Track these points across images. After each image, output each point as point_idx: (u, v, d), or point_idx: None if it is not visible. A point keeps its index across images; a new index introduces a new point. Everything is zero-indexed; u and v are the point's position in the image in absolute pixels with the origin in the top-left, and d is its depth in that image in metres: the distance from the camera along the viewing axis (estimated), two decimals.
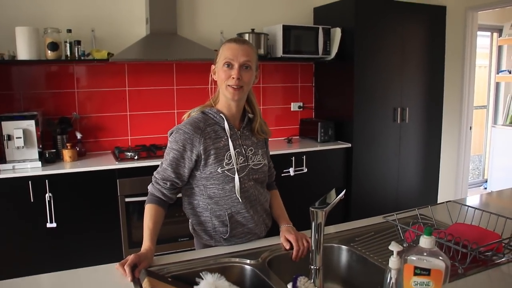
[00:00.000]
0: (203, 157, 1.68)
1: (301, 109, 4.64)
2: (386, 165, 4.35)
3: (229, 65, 1.67)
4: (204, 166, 1.69)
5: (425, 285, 1.05)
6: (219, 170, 1.69)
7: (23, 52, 3.26)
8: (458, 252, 1.49)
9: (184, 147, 1.67)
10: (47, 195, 3.09)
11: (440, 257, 1.07)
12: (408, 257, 1.08)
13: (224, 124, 1.73)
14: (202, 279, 1.16)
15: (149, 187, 1.75)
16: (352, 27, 4.04)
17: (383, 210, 1.96)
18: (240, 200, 1.72)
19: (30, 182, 3.05)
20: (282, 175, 3.77)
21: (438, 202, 4.16)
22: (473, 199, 2.78)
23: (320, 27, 4.09)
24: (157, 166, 1.77)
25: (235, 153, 1.71)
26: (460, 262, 1.48)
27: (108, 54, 3.50)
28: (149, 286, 1.30)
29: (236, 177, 1.70)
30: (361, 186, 4.21)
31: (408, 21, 4.31)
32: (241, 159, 1.73)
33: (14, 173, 3.06)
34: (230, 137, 1.72)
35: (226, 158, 1.70)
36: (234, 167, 1.70)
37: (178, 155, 1.68)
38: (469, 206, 1.95)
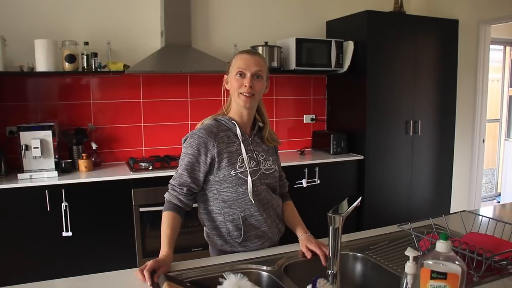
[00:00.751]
0: (216, 160, 1.73)
1: (314, 121, 4.67)
2: (398, 177, 4.35)
3: (242, 74, 1.75)
4: (217, 170, 1.74)
5: None
6: (232, 173, 1.74)
7: (42, 64, 3.33)
8: (473, 260, 1.50)
9: (199, 151, 1.73)
10: (63, 204, 3.13)
11: (457, 262, 1.08)
12: (425, 261, 1.10)
13: (236, 130, 1.80)
14: (225, 279, 1.18)
15: (166, 195, 1.78)
16: (365, 40, 4.07)
17: (395, 222, 1.97)
18: (253, 202, 1.76)
19: (46, 191, 3.10)
20: (295, 186, 3.79)
21: None
22: (486, 211, 2.77)
23: (333, 40, 4.13)
24: (171, 177, 1.82)
25: (247, 157, 1.76)
26: (475, 270, 1.49)
27: (124, 66, 3.56)
28: None
29: (249, 179, 1.75)
30: (373, 198, 4.21)
31: (420, 34, 4.34)
32: (253, 163, 1.79)
33: (31, 182, 3.11)
34: (242, 142, 1.78)
35: (239, 161, 1.75)
36: (246, 170, 1.75)
37: (193, 159, 1.74)
38: (483, 216, 1.95)
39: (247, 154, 1.78)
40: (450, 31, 4.52)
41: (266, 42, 3.99)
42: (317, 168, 3.94)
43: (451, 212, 4.68)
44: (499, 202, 6.19)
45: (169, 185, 1.80)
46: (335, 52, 4.14)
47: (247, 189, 1.75)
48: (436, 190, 4.64)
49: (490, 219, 1.87)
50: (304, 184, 3.86)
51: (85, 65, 3.53)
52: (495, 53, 6.06)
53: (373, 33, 4.09)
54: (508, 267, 1.56)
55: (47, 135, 3.28)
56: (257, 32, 4.27)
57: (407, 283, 1.17)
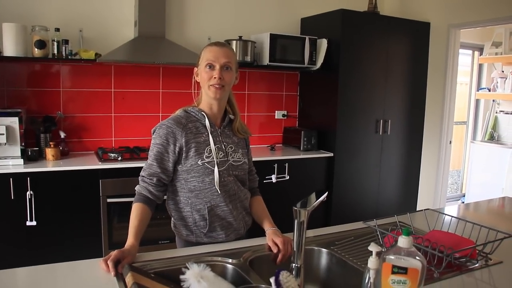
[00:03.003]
0: (184, 149, 1.74)
1: (285, 118, 4.69)
2: (367, 175, 4.41)
3: (211, 66, 1.77)
4: (185, 159, 1.75)
5: (402, 283, 1.09)
6: (199, 162, 1.75)
7: (10, 49, 3.25)
8: (434, 257, 1.54)
9: (168, 140, 1.74)
10: (28, 193, 3.07)
11: (417, 257, 1.11)
12: (387, 256, 1.12)
13: (205, 121, 1.81)
14: (188, 269, 1.18)
15: (136, 187, 1.78)
16: (338, 38, 4.11)
17: (363, 219, 2.00)
18: (219, 192, 1.76)
19: (11, 179, 3.02)
20: (264, 181, 3.80)
21: None
22: (449, 209, 2.84)
23: (307, 37, 4.16)
24: (140, 168, 1.81)
25: (215, 148, 1.78)
26: (436, 266, 1.53)
27: (96, 54, 3.50)
28: (132, 280, 1.31)
29: (216, 169, 1.76)
30: (341, 196, 4.26)
31: (393, 35, 4.40)
32: (221, 154, 1.80)
33: None
34: (210, 133, 1.80)
35: (206, 151, 1.77)
36: (214, 160, 1.76)
37: (162, 149, 1.74)
38: (446, 214, 2.00)
39: (215, 145, 1.79)
40: (421, 33, 4.60)
41: (240, 37, 3.98)
42: (287, 164, 3.96)
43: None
44: (463, 202, 6.34)
45: (139, 177, 1.79)
46: (309, 49, 4.16)
47: (214, 179, 1.75)
48: (403, 189, 4.72)
49: (453, 218, 1.92)
50: (274, 180, 3.88)
51: (55, 51, 3.45)
52: (464, 57, 6.21)
53: (347, 32, 4.13)
54: (467, 264, 1.61)
55: (14, 121, 3.19)
56: (231, 26, 4.25)
57: (369, 278, 1.19)
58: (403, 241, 1.12)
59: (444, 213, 2.03)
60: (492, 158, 5.90)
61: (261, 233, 1.84)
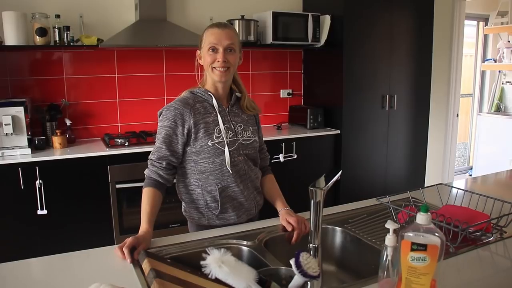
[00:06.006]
0: (193, 130, 1.73)
1: (290, 96, 4.66)
2: (374, 151, 4.39)
3: (214, 49, 1.74)
4: (194, 140, 1.74)
5: (422, 260, 1.08)
6: (209, 143, 1.73)
7: (11, 38, 3.22)
8: (450, 231, 1.53)
9: (176, 122, 1.72)
10: (37, 182, 3.08)
11: (436, 234, 1.10)
12: (405, 234, 1.11)
13: (212, 101, 1.79)
14: (209, 254, 1.18)
15: (146, 171, 1.77)
16: (342, 14, 4.05)
17: (371, 196, 1.99)
18: (231, 172, 1.75)
19: (20, 169, 3.03)
20: (272, 161, 3.78)
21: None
22: (459, 184, 2.83)
23: (310, 14, 4.10)
24: (147, 153, 1.80)
25: (224, 128, 1.76)
26: (451, 241, 1.52)
27: (98, 40, 3.47)
28: (149, 266, 1.31)
29: (226, 149, 1.74)
30: (350, 173, 4.25)
31: (396, 8, 4.33)
32: (230, 134, 1.78)
33: (4, 160, 3.03)
34: (219, 113, 1.78)
35: (216, 132, 1.75)
36: (224, 140, 1.75)
37: (170, 131, 1.73)
38: (459, 189, 1.99)
39: (224, 125, 1.77)
40: (426, 5, 4.53)
41: (242, 16, 3.93)
42: (294, 142, 3.95)
43: (425, 185, 4.78)
44: (471, 175, 6.33)
45: (148, 160, 1.78)
46: (312, 26, 4.11)
47: (224, 160, 1.75)
48: (411, 164, 4.71)
49: (466, 192, 1.91)
50: (281, 159, 3.87)
51: (57, 39, 3.41)
52: (469, 29, 6.12)
53: (350, 7, 4.07)
54: (482, 237, 1.60)
55: (19, 111, 3.18)
56: (233, 5, 4.20)
57: (387, 255, 1.19)
58: (421, 218, 1.11)
59: (456, 187, 2.01)
60: (499, 130, 5.86)
61: (274, 214, 1.84)
